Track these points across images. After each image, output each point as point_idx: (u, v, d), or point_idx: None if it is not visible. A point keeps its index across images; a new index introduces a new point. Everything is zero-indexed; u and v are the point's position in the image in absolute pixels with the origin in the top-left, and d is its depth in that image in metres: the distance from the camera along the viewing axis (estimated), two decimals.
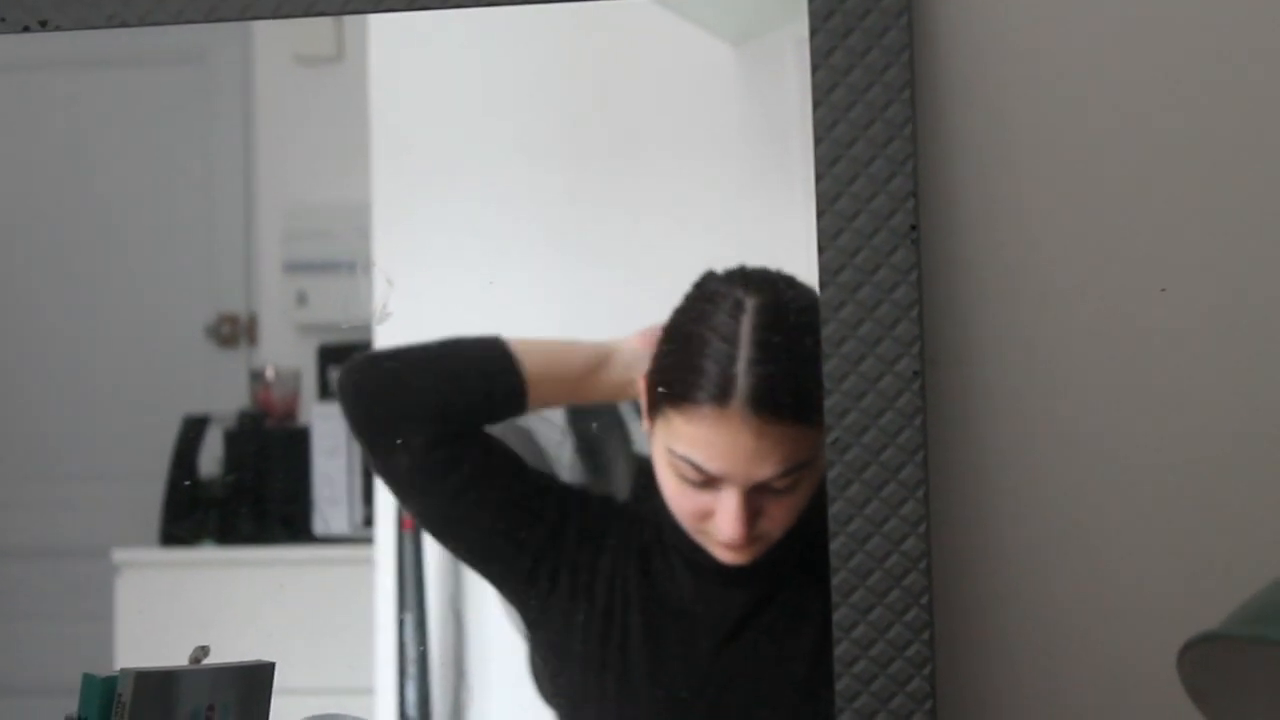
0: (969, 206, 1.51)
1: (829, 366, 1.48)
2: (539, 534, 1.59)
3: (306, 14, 1.57)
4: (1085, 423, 1.49)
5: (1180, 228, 1.49)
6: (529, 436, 1.61)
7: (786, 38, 1.55)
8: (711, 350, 1.53)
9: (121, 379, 1.76)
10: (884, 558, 1.46)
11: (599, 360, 1.59)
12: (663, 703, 1.57)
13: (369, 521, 1.68)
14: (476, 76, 1.65)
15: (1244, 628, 1.12)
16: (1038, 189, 1.50)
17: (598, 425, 1.60)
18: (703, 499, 1.54)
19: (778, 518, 1.54)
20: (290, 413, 1.74)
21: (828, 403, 1.47)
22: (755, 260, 1.55)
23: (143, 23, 1.60)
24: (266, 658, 1.28)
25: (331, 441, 1.70)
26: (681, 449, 1.54)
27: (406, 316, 1.62)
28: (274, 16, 1.58)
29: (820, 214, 1.49)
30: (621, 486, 1.61)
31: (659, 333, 1.56)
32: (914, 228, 1.47)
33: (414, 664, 1.63)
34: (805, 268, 1.51)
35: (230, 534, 1.72)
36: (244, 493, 1.74)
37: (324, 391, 1.73)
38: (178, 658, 1.25)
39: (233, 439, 1.73)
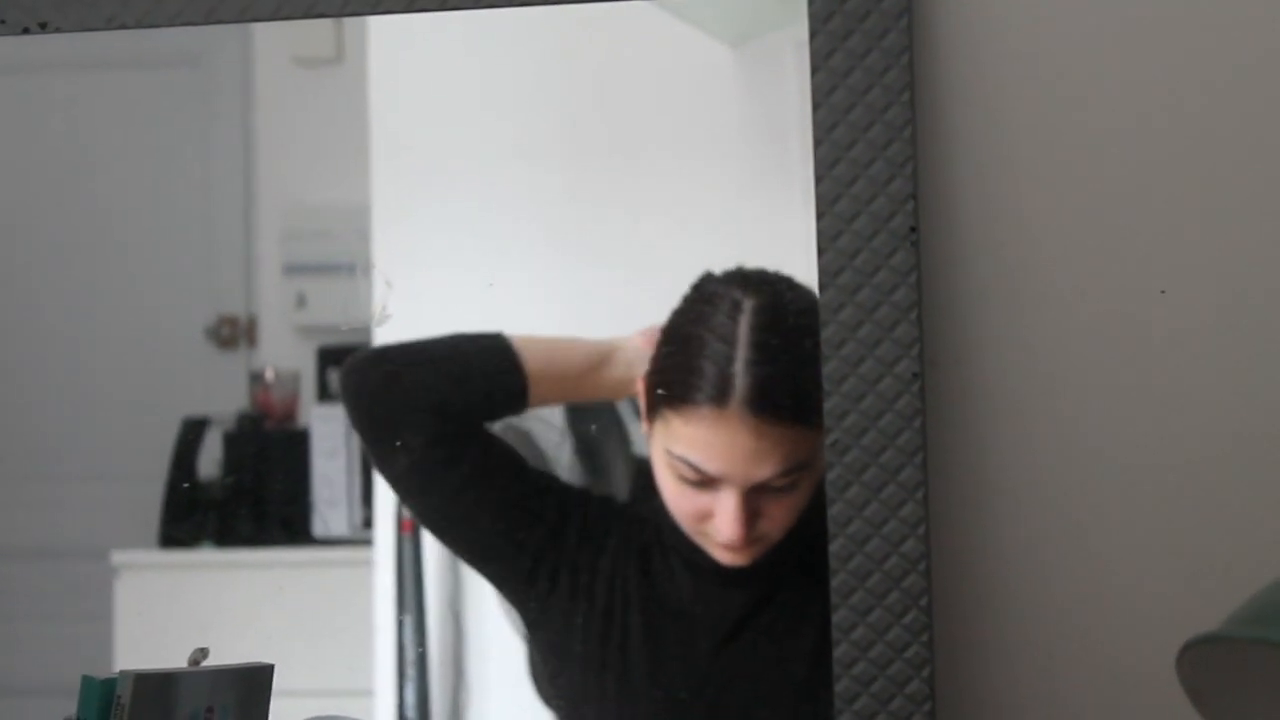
0: (968, 208, 1.51)
1: (828, 368, 1.48)
2: (539, 534, 1.59)
3: (306, 15, 1.57)
4: (1085, 424, 1.49)
5: (1180, 230, 1.49)
6: (528, 438, 1.61)
7: (786, 39, 1.55)
8: (709, 351, 1.53)
9: (121, 380, 1.76)
10: (883, 559, 1.46)
11: (600, 358, 1.59)
12: (662, 703, 1.57)
13: (368, 523, 1.68)
14: (476, 78, 1.65)
15: (1243, 629, 1.12)
16: (1037, 191, 1.50)
17: (596, 427, 1.60)
18: (702, 500, 1.55)
19: (777, 519, 1.54)
20: (289, 414, 1.74)
21: (827, 405, 1.47)
22: (755, 262, 1.55)
23: (142, 24, 1.60)
24: (266, 659, 1.28)
25: (331, 443, 1.70)
26: (680, 450, 1.54)
27: (406, 318, 1.62)
28: (273, 18, 1.58)
29: (820, 216, 1.49)
30: (620, 488, 1.61)
31: (659, 333, 1.56)
32: (913, 230, 1.47)
33: (413, 665, 1.63)
34: (804, 269, 1.51)
35: (229, 536, 1.72)
36: (243, 494, 1.74)
37: (323, 393, 1.73)
38: (177, 659, 1.25)
39: (232, 441, 1.73)
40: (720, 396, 1.53)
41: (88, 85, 1.78)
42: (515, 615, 1.61)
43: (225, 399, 1.75)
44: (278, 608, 1.69)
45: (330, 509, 1.70)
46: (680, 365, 1.54)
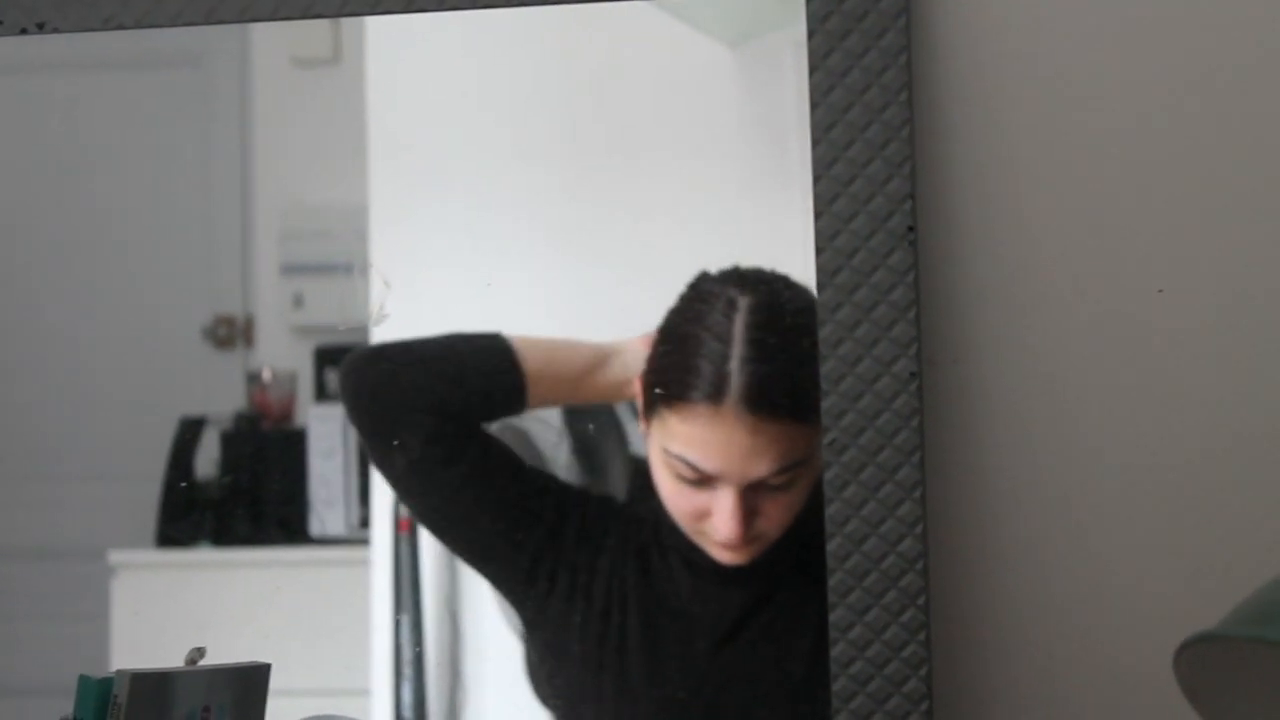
0: (966, 208, 1.51)
1: (826, 368, 1.48)
2: (537, 534, 1.59)
3: (304, 16, 1.57)
4: (1082, 423, 1.49)
5: (1177, 229, 1.49)
6: (526, 438, 1.61)
7: (784, 39, 1.55)
8: (706, 349, 1.53)
9: (118, 380, 1.76)
10: (881, 559, 1.46)
11: (599, 360, 1.59)
12: (660, 703, 1.57)
13: (365, 523, 1.68)
14: (474, 78, 1.65)
15: (1240, 628, 1.12)
16: (1035, 190, 1.50)
17: (594, 427, 1.60)
18: (699, 499, 1.54)
19: (774, 517, 1.54)
20: (287, 414, 1.74)
21: (825, 404, 1.47)
22: (753, 261, 1.55)
23: (140, 25, 1.60)
24: (263, 659, 1.28)
25: (328, 443, 1.70)
26: (677, 448, 1.54)
27: (404, 318, 1.62)
28: (272, 18, 1.58)
29: (818, 215, 1.49)
30: (618, 487, 1.61)
31: (656, 333, 1.56)
32: (911, 229, 1.47)
33: (410, 665, 1.63)
34: (802, 269, 1.51)
35: (226, 535, 1.72)
36: (240, 494, 1.74)
37: (320, 393, 1.73)
38: (174, 659, 1.25)
39: (229, 440, 1.73)
40: (716, 394, 1.53)
41: (86, 86, 1.78)
42: (513, 615, 1.61)
43: (222, 399, 1.75)
44: (275, 607, 1.69)
45: (327, 509, 1.70)
46: (676, 364, 1.54)
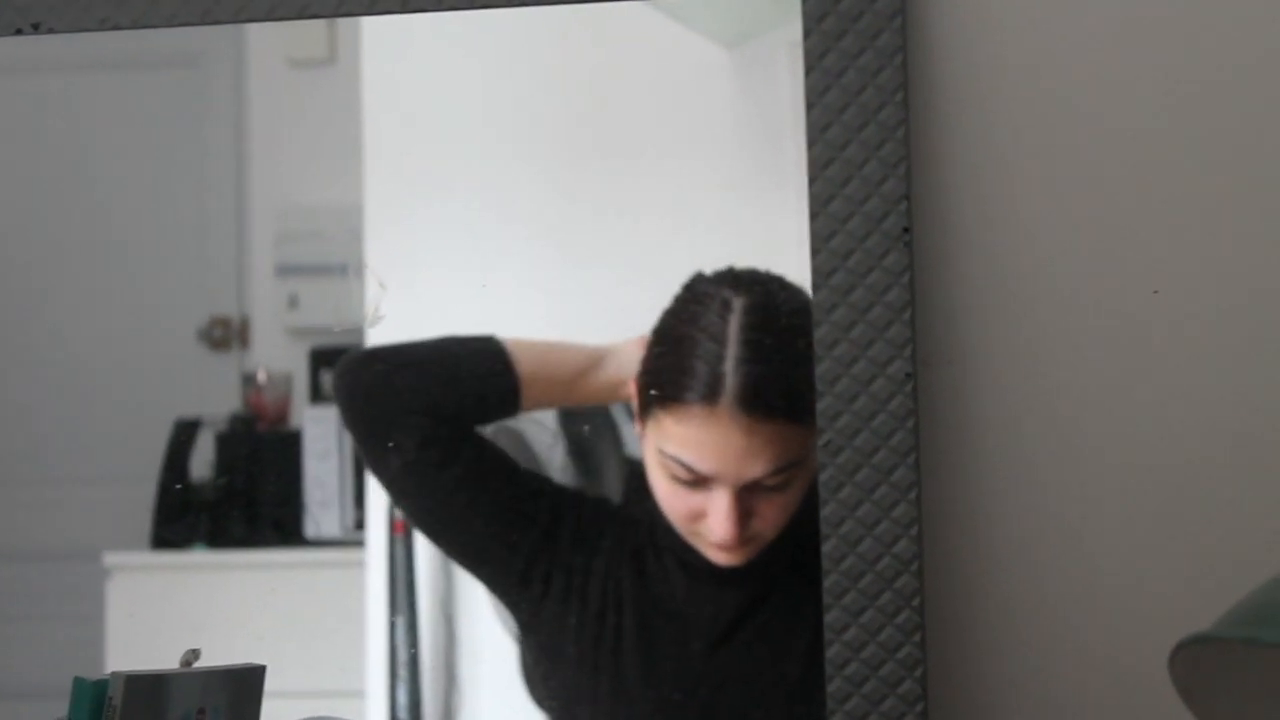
0: (962, 209, 1.51)
1: (821, 369, 1.48)
2: (532, 536, 1.59)
3: (300, 16, 1.57)
4: (1078, 424, 1.49)
5: (1172, 230, 1.49)
6: (520, 439, 1.61)
7: (780, 40, 1.55)
8: (700, 350, 1.53)
9: (113, 382, 1.76)
10: (876, 560, 1.46)
11: (593, 362, 1.59)
12: (655, 704, 1.57)
13: (360, 524, 1.68)
14: (469, 79, 1.65)
15: (1236, 629, 1.12)
16: (1031, 191, 1.50)
17: (589, 428, 1.60)
18: (694, 499, 1.54)
19: (769, 518, 1.54)
20: (282, 416, 1.74)
21: (820, 405, 1.47)
22: (749, 262, 1.55)
23: (136, 25, 1.60)
24: (258, 660, 1.28)
25: (323, 445, 1.70)
26: (672, 449, 1.54)
27: (399, 319, 1.62)
28: (268, 19, 1.58)
29: (813, 216, 1.49)
30: (613, 489, 1.61)
31: (651, 334, 1.56)
32: (907, 230, 1.47)
33: (405, 667, 1.63)
34: (798, 270, 1.51)
35: (221, 537, 1.72)
36: (235, 496, 1.74)
37: (315, 395, 1.73)
38: (168, 661, 1.25)
39: (224, 442, 1.73)
40: (711, 395, 1.53)
41: (81, 86, 1.78)
42: (508, 617, 1.61)
43: (217, 400, 1.74)
44: (270, 609, 1.69)
45: (322, 510, 1.70)
46: (671, 365, 1.54)
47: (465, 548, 1.62)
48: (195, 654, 1.25)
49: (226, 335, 1.76)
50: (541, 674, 1.60)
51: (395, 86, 1.68)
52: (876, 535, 1.46)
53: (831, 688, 1.46)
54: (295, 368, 1.74)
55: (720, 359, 1.53)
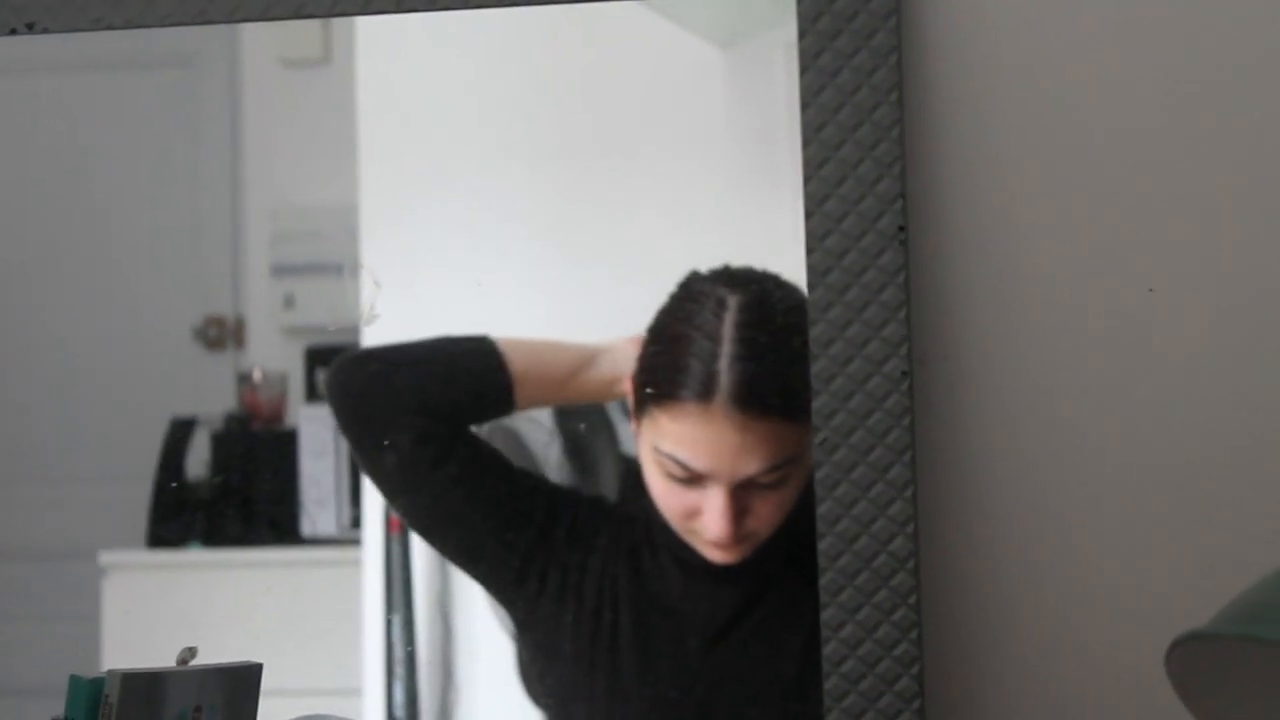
0: (957, 208, 1.51)
1: (817, 367, 1.48)
2: (528, 534, 1.59)
3: (295, 16, 1.57)
4: (1073, 422, 1.49)
5: (1167, 228, 1.49)
6: (516, 437, 1.61)
7: (775, 40, 1.55)
8: (695, 348, 1.54)
9: (108, 381, 1.76)
10: (872, 557, 1.46)
11: (586, 360, 1.59)
12: (652, 702, 1.57)
13: (356, 523, 1.68)
14: (464, 78, 1.65)
15: (1232, 626, 1.12)
16: (1025, 190, 1.51)
17: (585, 426, 1.60)
18: (690, 497, 1.55)
19: (765, 515, 1.54)
20: (277, 415, 1.74)
21: (816, 403, 1.48)
22: (744, 261, 1.55)
23: (130, 25, 1.60)
24: (254, 659, 1.28)
25: (319, 443, 1.70)
26: (667, 447, 1.54)
27: (394, 318, 1.62)
28: (262, 19, 1.57)
29: (808, 215, 1.49)
30: (609, 487, 1.61)
31: (646, 333, 1.56)
32: (902, 229, 1.48)
33: (402, 665, 1.63)
34: (793, 269, 1.51)
35: (217, 536, 1.72)
36: (231, 494, 1.74)
37: (311, 394, 1.73)
38: (165, 659, 1.25)
39: (220, 441, 1.73)
40: (705, 393, 1.53)
41: (75, 86, 1.78)
42: (504, 615, 1.61)
43: (213, 399, 1.74)
44: (266, 607, 1.69)
45: (318, 509, 1.70)
46: (667, 363, 1.54)
47: (461, 546, 1.62)
48: (192, 652, 1.25)
49: (222, 334, 1.75)
50: (538, 672, 1.60)
51: (390, 86, 1.68)
52: (873, 533, 1.46)
53: (828, 685, 1.46)
54: (291, 367, 1.74)
55: (715, 357, 1.53)
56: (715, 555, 1.55)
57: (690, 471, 1.54)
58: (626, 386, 1.57)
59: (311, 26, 1.69)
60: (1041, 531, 1.50)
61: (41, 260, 1.77)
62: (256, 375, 1.75)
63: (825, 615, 1.47)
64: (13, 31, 1.60)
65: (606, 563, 1.58)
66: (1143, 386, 1.49)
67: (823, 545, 1.47)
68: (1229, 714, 1.21)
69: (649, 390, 1.55)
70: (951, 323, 1.51)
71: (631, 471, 1.57)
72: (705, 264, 1.55)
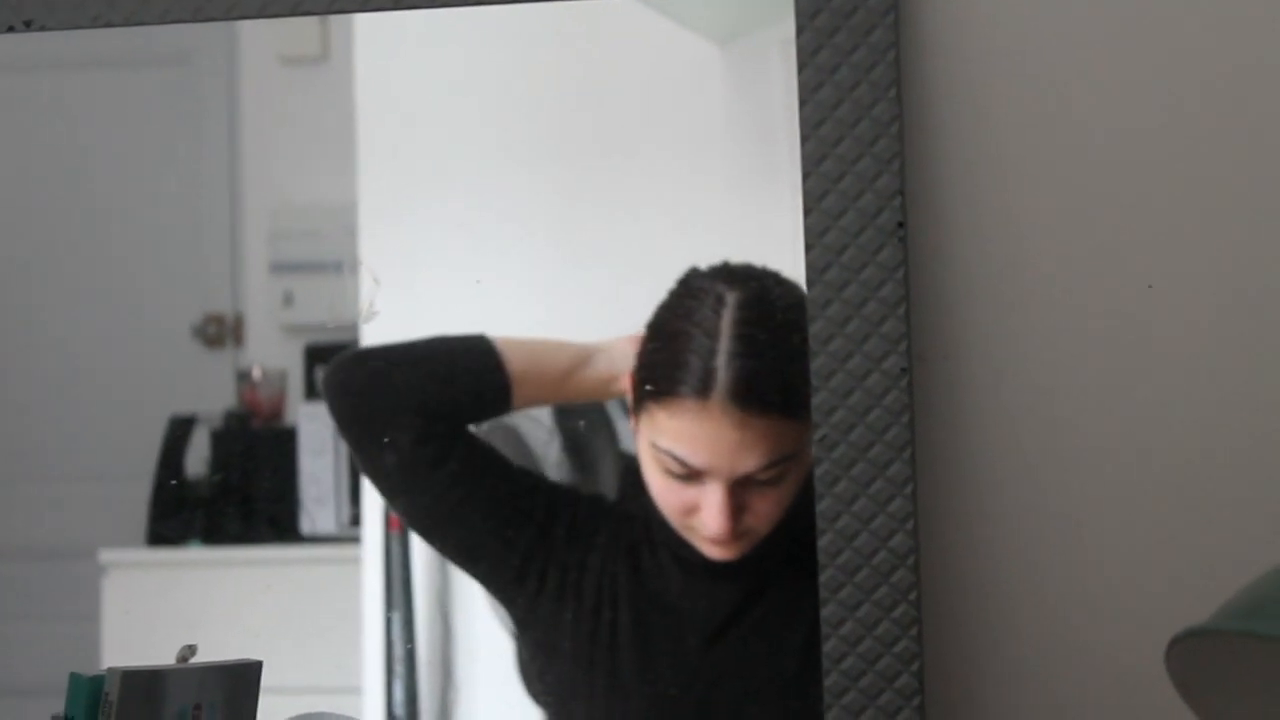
0: (956, 204, 1.51)
1: (816, 364, 1.48)
2: (527, 533, 1.59)
3: (293, 13, 1.57)
4: (1073, 419, 1.49)
5: (1166, 225, 1.49)
6: (516, 435, 1.61)
7: (773, 36, 1.55)
8: (694, 344, 1.54)
9: (108, 379, 1.76)
10: (872, 554, 1.46)
11: (583, 359, 1.59)
12: (651, 700, 1.57)
13: (356, 521, 1.68)
14: (461, 76, 1.65)
15: (1232, 622, 1.12)
16: (1024, 186, 1.51)
17: (585, 424, 1.60)
18: (688, 493, 1.55)
19: (763, 512, 1.54)
20: (277, 413, 1.74)
21: (815, 400, 1.48)
22: (742, 258, 1.55)
23: (128, 22, 1.59)
24: (254, 657, 1.28)
25: (318, 441, 1.70)
26: (665, 443, 1.54)
27: (393, 315, 1.62)
28: (260, 16, 1.57)
29: (807, 212, 1.49)
30: (609, 485, 1.61)
31: (645, 329, 1.56)
32: (901, 225, 1.48)
33: (401, 663, 1.63)
34: (792, 266, 1.51)
35: (217, 534, 1.72)
36: (231, 492, 1.74)
37: (310, 391, 1.73)
38: (165, 657, 1.25)
39: (219, 439, 1.73)
40: (703, 389, 1.53)
41: (73, 84, 1.78)
42: (504, 614, 1.61)
43: (212, 397, 1.74)
44: (265, 605, 1.69)
45: (318, 507, 1.70)
46: (665, 360, 1.54)
47: (460, 544, 1.62)
48: (191, 650, 1.25)
49: (221, 332, 1.76)
50: (537, 670, 1.60)
51: (388, 83, 1.68)
52: (873, 530, 1.46)
53: (828, 682, 1.46)
54: (290, 364, 1.74)
55: (713, 353, 1.53)
56: (714, 552, 1.55)
57: (688, 468, 1.54)
58: (625, 383, 1.57)
59: (309, 24, 1.69)
60: (1042, 527, 1.50)
61: (40, 259, 1.77)
62: (256, 373, 1.75)
63: (825, 612, 1.47)
64: (11, 29, 1.60)
65: (606, 561, 1.58)
66: (1143, 384, 1.49)
67: (822, 542, 1.47)
68: (1229, 710, 1.21)
69: (648, 387, 1.55)
70: (951, 319, 1.51)
71: (631, 469, 1.57)
72: (704, 261, 1.55)
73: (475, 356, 1.59)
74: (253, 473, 1.75)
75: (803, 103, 1.49)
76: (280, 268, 1.76)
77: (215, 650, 1.28)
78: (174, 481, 1.71)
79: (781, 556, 1.54)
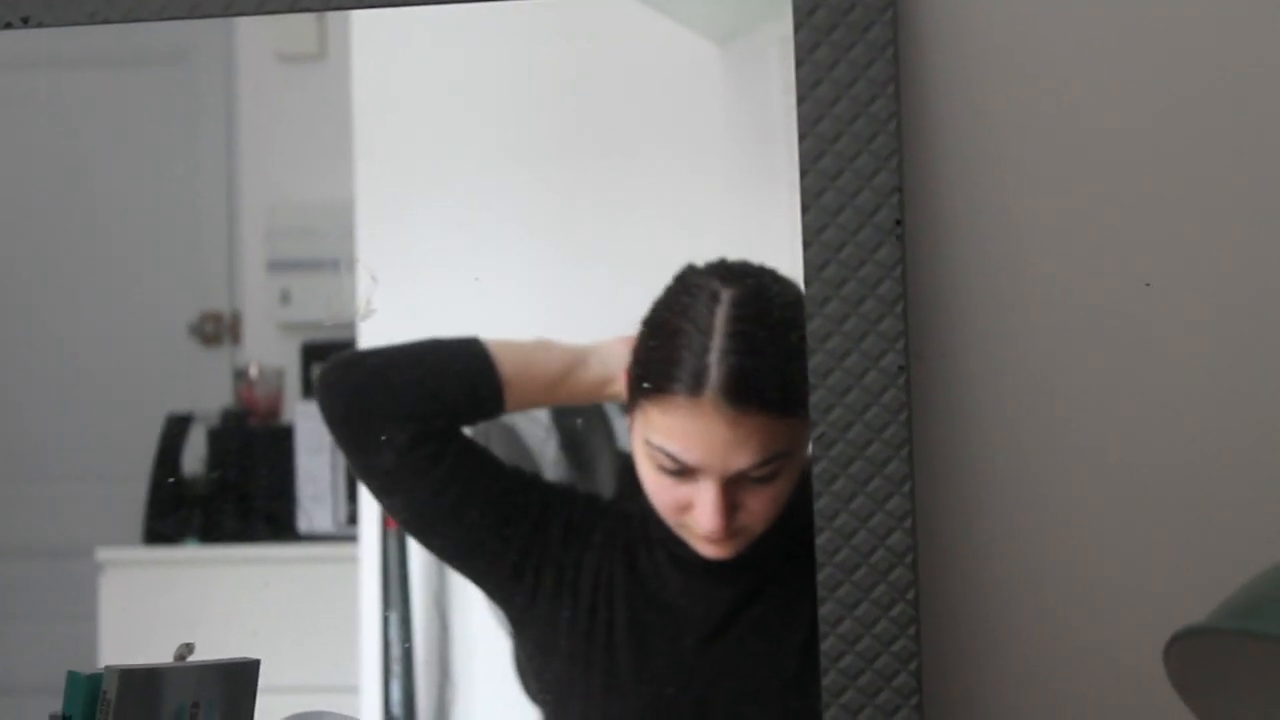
0: (953, 202, 1.51)
1: (814, 362, 1.48)
2: (523, 531, 1.59)
3: (290, 10, 1.57)
4: (1070, 417, 1.49)
5: (1164, 223, 1.49)
6: (513, 433, 1.61)
7: (770, 34, 1.55)
8: (688, 341, 1.53)
9: (105, 377, 1.76)
10: (870, 553, 1.46)
11: (576, 361, 1.59)
12: (648, 699, 1.57)
13: (353, 519, 1.67)
14: (459, 74, 1.65)
15: (1230, 621, 1.12)
16: (1022, 184, 1.50)
17: (582, 422, 1.60)
18: (681, 491, 1.54)
19: (757, 510, 1.54)
20: (274, 411, 1.74)
21: (813, 398, 1.47)
22: (740, 256, 1.55)
23: (125, 19, 1.59)
24: (251, 655, 1.28)
25: (315, 439, 1.70)
26: (658, 440, 1.54)
27: (390, 314, 1.62)
28: (257, 13, 1.57)
29: (805, 210, 1.49)
30: (606, 483, 1.61)
31: (641, 325, 1.56)
32: (899, 223, 1.47)
33: (398, 662, 1.63)
34: (790, 263, 1.51)
35: (214, 532, 1.72)
36: (228, 491, 1.74)
37: (307, 390, 1.73)
38: (162, 655, 1.25)
39: (216, 437, 1.73)
40: (695, 385, 1.53)
41: (70, 82, 1.77)
42: (500, 613, 1.61)
43: (209, 395, 1.74)
44: (263, 604, 1.69)
45: (315, 505, 1.70)
46: (660, 356, 1.54)
47: (456, 544, 1.62)
48: (189, 648, 1.25)
49: (218, 330, 1.75)
50: (534, 669, 1.60)
51: (386, 81, 1.68)
52: (870, 528, 1.46)
53: (826, 681, 1.46)
54: (287, 363, 1.74)
55: (706, 350, 1.53)
56: (709, 550, 1.55)
57: (680, 464, 1.54)
58: (620, 385, 1.57)
59: (307, 21, 1.69)
60: (1040, 526, 1.50)
61: (36, 257, 1.77)
62: (253, 371, 1.75)
63: (823, 611, 1.47)
64: (8, 25, 1.60)
65: (602, 560, 1.58)
66: (1140, 381, 1.48)
67: (820, 540, 1.47)
68: (1227, 709, 1.21)
69: (645, 385, 1.55)
70: (949, 317, 1.51)
71: (628, 467, 1.57)
72: (701, 259, 1.55)
73: (468, 359, 1.59)
74: (250, 471, 1.74)
75: (800, 100, 1.49)
76: (277, 266, 1.76)
77: (212, 649, 1.28)
78: (171, 480, 1.71)
79: (779, 555, 1.54)
